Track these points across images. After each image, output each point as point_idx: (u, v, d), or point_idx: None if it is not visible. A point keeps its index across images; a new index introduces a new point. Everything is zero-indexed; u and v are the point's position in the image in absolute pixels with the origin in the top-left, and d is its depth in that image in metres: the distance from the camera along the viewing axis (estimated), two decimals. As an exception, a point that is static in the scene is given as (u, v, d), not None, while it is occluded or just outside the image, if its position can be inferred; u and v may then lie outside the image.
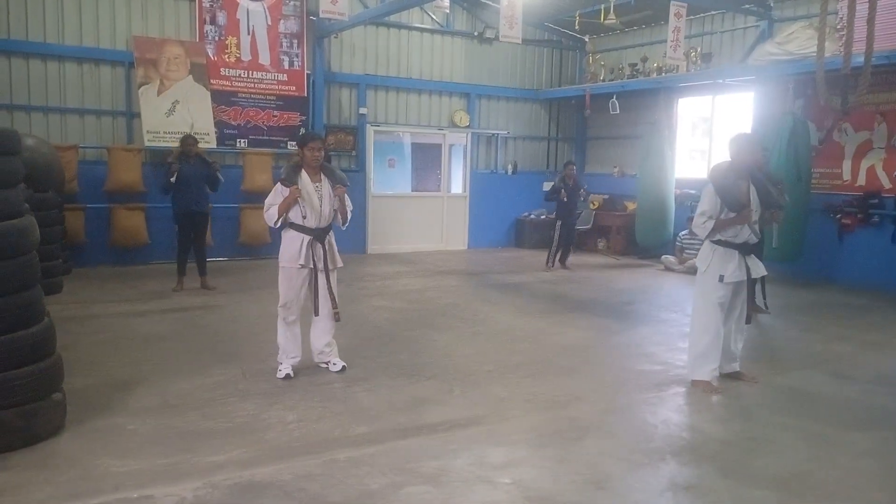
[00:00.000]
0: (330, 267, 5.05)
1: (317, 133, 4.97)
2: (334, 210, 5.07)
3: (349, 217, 5.20)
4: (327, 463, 3.58)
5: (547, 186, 11.59)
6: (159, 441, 3.82)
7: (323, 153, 5.04)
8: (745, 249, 4.86)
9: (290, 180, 4.85)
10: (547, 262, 10.60)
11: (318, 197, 4.93)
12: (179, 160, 7.88)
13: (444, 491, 3.31)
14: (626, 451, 3.83)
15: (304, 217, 4.90)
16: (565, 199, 10.28)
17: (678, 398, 4.82)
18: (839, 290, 8.93)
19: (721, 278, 4.80)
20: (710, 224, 4.78)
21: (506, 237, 13.22)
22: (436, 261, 11.21)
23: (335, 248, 5.16)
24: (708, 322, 4.88)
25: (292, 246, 4.94)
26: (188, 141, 8.04)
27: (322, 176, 5.02)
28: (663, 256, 10.91)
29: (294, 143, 10.91)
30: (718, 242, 4.84)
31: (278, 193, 4.90)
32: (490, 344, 6.12)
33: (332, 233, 5.15)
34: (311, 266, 4.97)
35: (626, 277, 10.04)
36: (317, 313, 5.06)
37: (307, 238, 4.93)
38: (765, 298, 7.48)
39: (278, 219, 4.88)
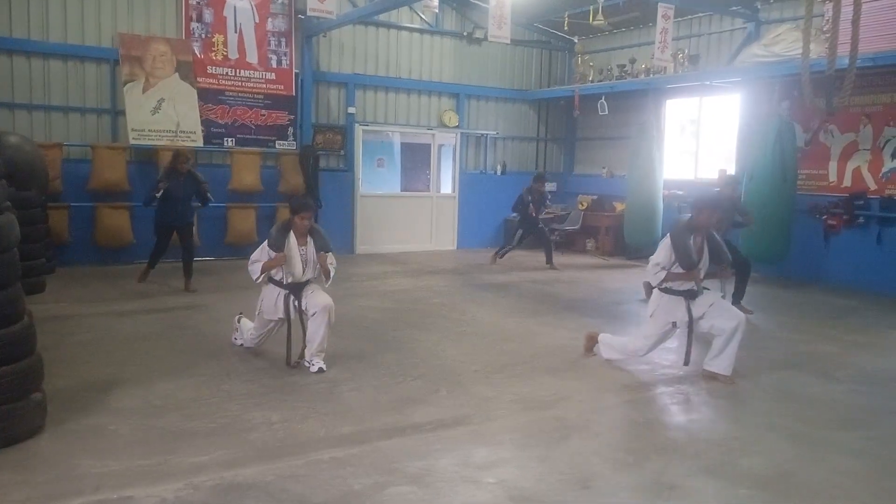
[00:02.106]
0: (308, 312, 5.12)
1: (308, 203, 5.27)
2: (317, 270, 5.23)
3: (332, 277, 5.30)
4: (311, 463, 3.55)
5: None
6: (141, 442, 3.78)
7: (311, 221, 5.20)
8: (689, 295, 5.16)
9: (278, 246, 5.04)
10: (496, 254, 10.89)
11: (301, 261, 5.14)
12: (168, 177, 7.77)
13: (428, 491, 3.29)
14: (611, 451, 3.82)
15: (288, 280, 5.12)
16: (533, 214, 10.56)
17: (664, 398, 4.83)
18: (824, 291, 8.98)
19: (675, 325, 5.19)
20: (662, 274, 5.14)
21: (494, 237, 13.20)
22: (424, 261, 11.19)
23: (317, 292, 5.22)
24: (644, 340, 5.33)
25: (270, 298, 5.21)
26: (180, 158, 7.90)
27: (309, 239, 5.19)
28: (651, 257, 10.92)
29: (283, 142, 10.89)
30: (665, 290, 5.19)
31: (265, 252, 5.10)
32: (477, 344, 6.10)
33: (314, 279, 5.30)
34: (287, 317, 5.16)
35: (614, 278, 10.06)
36: (288, 363, 5.16)
37: (283, 292, 5.15)
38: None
39: (260, 276, 5.13)
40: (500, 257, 10.89)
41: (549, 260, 10.64)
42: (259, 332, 5.43)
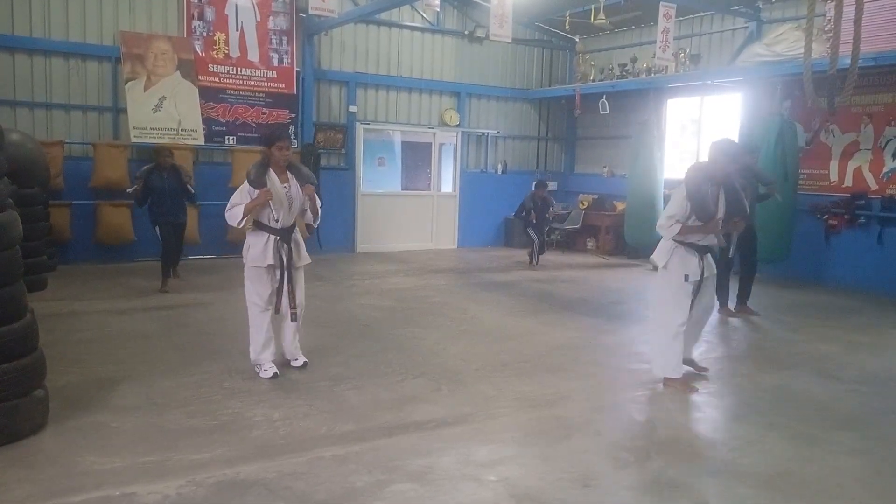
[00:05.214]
0: (296, 264, 4.97)
1: (284, 130, 4.89)
2: (303, 209, 5.00)
3: (320, 214, 5.11)
4: (312, 461, 3.56)
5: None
6: (143, 439, 3.78)
7: (290, 151, 4.93)
8: (704, 251, 4.87)
9: (260, 182, 4.71)
10: (531, 262, 10.81)
11: (287, 198, 4.83)
12: (150, 174, 7.78)
13: (429, 489, 3.29)
14: (612, 450, 3.83)
15: (276, 220, 4.81)
16: (534, 221, 10.74)
17: (665, 397, 4.82)
18: (825, 291, 8.99)
19: (686, 277, 4.78)
20: (677, 228, 4.74)
21: (495, 236, 13.22)
22: (425, 259, 11.19)
23: (301, 245, 5.08)
24: (673, 319, 4.84)
25: (258, 245, 4.84)
26: (162, 153, 7.93)
27: (289, 174, 4.91)
28: (652, 256, 10.92)
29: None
30: (681, 242, 4.82)
31: (245, 194, 4.73)
32: (478, 342, 6.11)
33: (297, 230, 5.09)
34: (279, 265, 4.87)
35: (614, 277, 10.07)
36: (277, 311, 4.99)
37: (273, 237, 4.83)
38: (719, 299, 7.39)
39: (242, 219, 4.74)
40: (538, 261, 10.84)
41: (532, 259, 10.79)
42: (258, 304, 4.88)
